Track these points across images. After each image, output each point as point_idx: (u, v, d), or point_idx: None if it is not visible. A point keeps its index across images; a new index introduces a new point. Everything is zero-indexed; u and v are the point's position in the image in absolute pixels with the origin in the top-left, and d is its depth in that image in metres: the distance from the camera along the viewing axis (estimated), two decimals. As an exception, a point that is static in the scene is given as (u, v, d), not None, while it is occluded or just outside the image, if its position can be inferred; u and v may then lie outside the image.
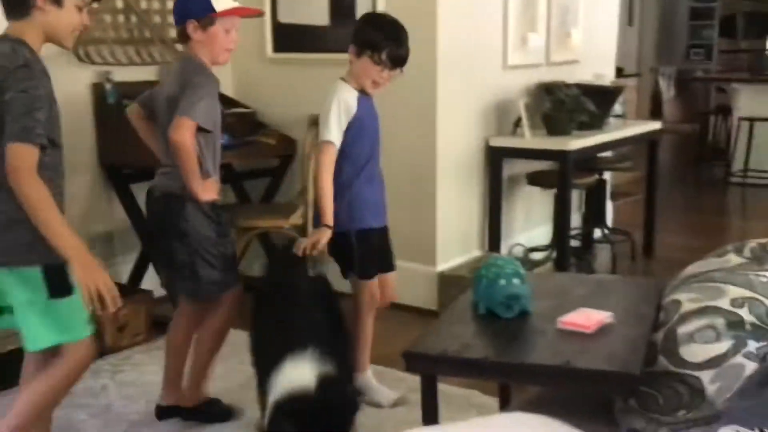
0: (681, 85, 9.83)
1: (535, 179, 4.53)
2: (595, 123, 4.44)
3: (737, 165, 7.12)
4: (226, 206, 3.02)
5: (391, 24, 2.83)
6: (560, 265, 4.25)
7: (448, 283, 3.95)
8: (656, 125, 5.04)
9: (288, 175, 4.42)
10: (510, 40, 4.34)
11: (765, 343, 1.71)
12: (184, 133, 2.44)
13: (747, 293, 1.79)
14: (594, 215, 5.11)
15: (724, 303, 1.78)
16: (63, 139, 2.18)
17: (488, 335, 1.83)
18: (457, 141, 4.13)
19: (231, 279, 2.71)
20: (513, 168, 4.50)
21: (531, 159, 4.43)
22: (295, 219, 4.00)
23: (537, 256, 4.54)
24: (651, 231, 5.05)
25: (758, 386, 1.32)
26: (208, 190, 2.59)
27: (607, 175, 5.26)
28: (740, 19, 9.72)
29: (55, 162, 2.12)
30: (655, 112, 10.21)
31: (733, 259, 1.90)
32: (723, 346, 1.71)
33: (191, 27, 2.56)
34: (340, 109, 2.74)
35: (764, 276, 1.82)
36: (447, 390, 3.07)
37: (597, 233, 5.13)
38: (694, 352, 1.73)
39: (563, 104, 4.26)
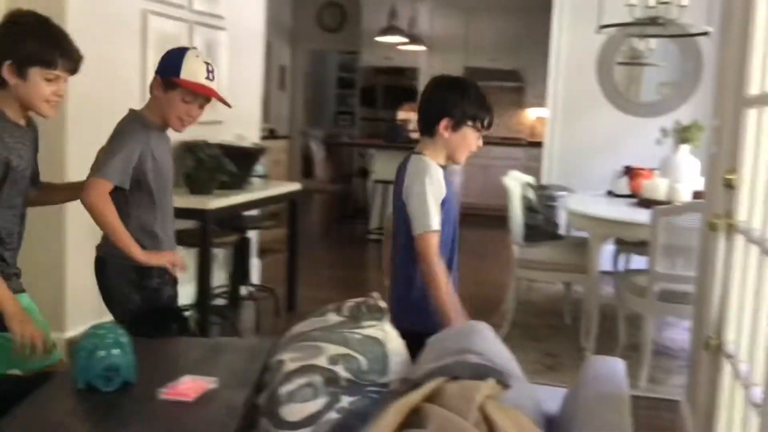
0: (330, 148, 10.54)
1: (178, 238, 4.45)
2: (237, 183, 4.52)
3: (374, 223, 7.77)
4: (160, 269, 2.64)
5: (474, 87, 2.55)
6: (203, 324, 4.20)
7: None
8: (296, 186, 5.29)
9: None
10: (147, 96, 4.26)
11: (358, 397, 1.84)
12: (91, 193, 2.42)
13: (343, 350, 1.91)
14: (240, 273, 5.18)
15: (321, 361, 1.87)
16: None
17: (84, 412, 1.71)
18: (91, 198, 3.90)
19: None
20: (154, 226, 4.38)
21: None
22: None
23: (180, 316, 4.44)
24: (293, 286, 5.25)
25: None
26: (157, 257, 2.58)
27: (252, 233, 5.38)
28: (379, 91, 10.74)
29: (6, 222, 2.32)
30: (308, 173, 10.80)
31: (332, 318, 2.01)
32: (319, 403, 1.80)
33: (156, 82, 2.59)
34: (436, 190, 2.45)
35: (358, 333, 1.96)
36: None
37: (244, 291, 5.20)
38: (293, 411, 1.79)
39: (204, 163, 4.28)
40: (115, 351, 1.77)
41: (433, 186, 2.44)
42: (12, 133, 2.27)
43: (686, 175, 4.64)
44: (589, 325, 4.36)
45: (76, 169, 3.75)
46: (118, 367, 1.76)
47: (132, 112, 2.68)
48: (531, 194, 4.82)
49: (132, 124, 2.60)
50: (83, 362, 1.78)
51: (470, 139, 2.51)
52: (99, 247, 2.65)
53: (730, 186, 2.47)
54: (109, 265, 2.60)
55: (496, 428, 1.25)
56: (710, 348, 2.51)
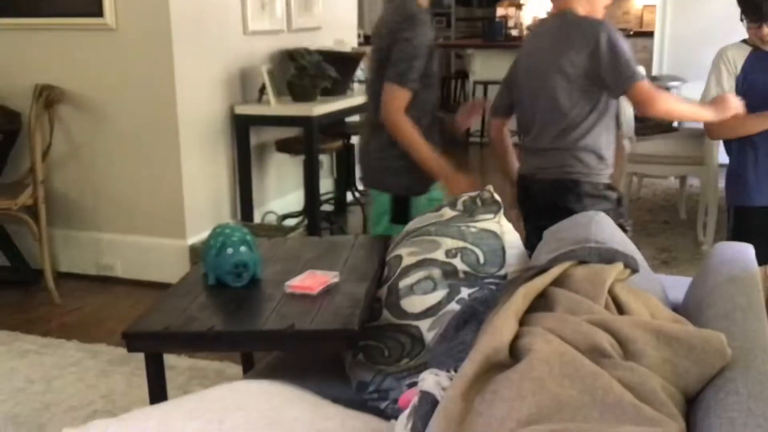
0: (426, 51, 10.32)
1: (283, 146, 4.54)
2: (338, 89, 4.52)
3: (474, 126, 7.66)
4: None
5: None
6: (312, 230, 4.31)
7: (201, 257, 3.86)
8: (397, 90, 5.24)
9: (14, 152, 4.04)
10: (249, 4, 4.28)
11: (476, 289, 1.85)
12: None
13: (459, 244, 1.92)
14: (345, 179, 5.25)
15: (439, 255, 1.89)
16: None
17: (216, 306, 1.80)
18: (200, 109, 4.01)
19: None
20: (261, 135, 4.48)
21: (278, 126, 4.43)
22: (25, 199, 3.69)
23: (290, 222, 4.57)
24: (398, 191, 5.27)
25: (455, 330, 1.42)
26: None
27: (355, 140, 5.41)
28: (475, -11, 10.39)
29: (423, 104, 2.55)
30: (404, 78, 10.65)
31: (447, 212, 2.01)
32: (439, 295, 1.83)
33: None
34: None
35: (474, 227, 1.96)
36: (199, 364, 3.03)
37: (350, 197, 5.28)
38: (414, 303, 1.83)
39: (306, 70, 4.29)
40: (243, 248, 1.84)
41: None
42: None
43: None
44: (707, 218, 4.22)
45: (185, 82, 3.85)
46: (246, 264, 1.84)
47: (570, 13, 2.42)
48: (642, 85, 4.60)
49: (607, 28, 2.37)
50: (213, 260, 1.86)
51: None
52: (565, 171, 2.46)
53: None
54: (584, 186, 2.43)
55: (625, 310, 1.23)
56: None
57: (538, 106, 2.47)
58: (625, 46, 2.32)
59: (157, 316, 1.70)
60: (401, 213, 2.56)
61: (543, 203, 2.49)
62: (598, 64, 2.30)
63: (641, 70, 2.37)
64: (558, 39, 2.41)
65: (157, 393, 1.67)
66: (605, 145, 2.45)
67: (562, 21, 2.43)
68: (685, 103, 2.43)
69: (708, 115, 2.47)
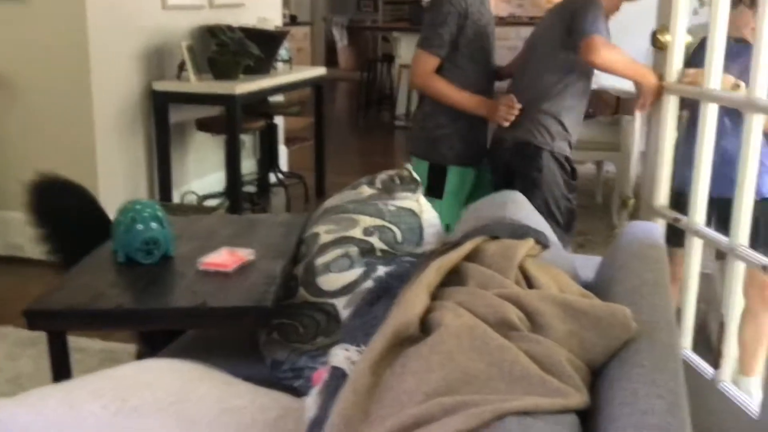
0: (352, 34, 10.30)
1: (204, 125, 4.44)
2: (262, 67, 4.45)
3: (400, 109, 7.67)
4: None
5: None
6: (234, 211, 4.24)
7: (115, 237, 3.74)
8: (321, 70, 5.20)
9: None
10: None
11: (393, 267, 1.85)
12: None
13: (377, 221, 1.91)
14: (268, 160, 5.18)
15: (356, 232, 1.88)
16: None
17: (125, 283, 1.74)
18: (116, 86, 3.88)
19: (570, 239, 2.63)
20: (181, 114, 4.36)
21: (198, 104, 4.32)
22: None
23: (212, 203, 4.48)
24: (322, 173, 5.25)
25: (368, 305, 1.41)
26: None
27: (279, 120, 5.34)
28: (403, -27, 10.37)
29: (467, 76, 2.63)
30: (331, 60, 10.61)
31: (366, 190, 2.00)
32: (355, 272, 1.82)
33: None
34: None
35: (392, 205, 1.96)
36: (111, 347, 2.95)
37: (273, 178, 5.21)
38: (330, 281, 1.81)
39: (227, 47, 4.20)
40: (154, 224, 1.78)
41: None
42: None
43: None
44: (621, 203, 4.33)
45: (99, 58, 3.71)
46: (157, 240, 1.78)
47: None
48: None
49: None
50: (122, 236, 1.80)
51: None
52: (530, 134, 2.58)
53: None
54: (544, 152, 2.55)
55: (535, 285, 1.25)
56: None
57: (524, 71, 2.67)
58: (600, 21, 2.45)
59: (61, 294, 1.63)
60: (437, 184, 2.65)
61: (502, 164, 2.66)
62: (570, 17, 2.47)
63: (604, 33, 2.48)
64: (557, 11, 2.61)
65: (62, 375, 1.61)
66: (571, 119, 2.58)
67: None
68: (629, 61, 2.45)
69: (649, 76, 2.38)
